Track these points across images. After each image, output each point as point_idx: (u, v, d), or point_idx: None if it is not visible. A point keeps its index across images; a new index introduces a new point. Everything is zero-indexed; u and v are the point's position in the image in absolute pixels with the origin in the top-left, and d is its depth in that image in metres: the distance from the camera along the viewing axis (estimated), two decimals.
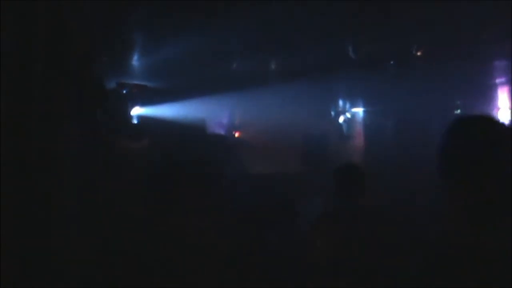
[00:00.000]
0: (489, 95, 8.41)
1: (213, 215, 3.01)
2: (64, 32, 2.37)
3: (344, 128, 11.16)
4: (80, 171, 2.61)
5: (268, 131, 9.15)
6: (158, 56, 6.22)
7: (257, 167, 8.15)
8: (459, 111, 8.88)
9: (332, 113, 11.16)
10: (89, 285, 2.51)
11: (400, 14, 4.68)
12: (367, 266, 2.97)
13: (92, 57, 2.93)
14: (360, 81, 7.53)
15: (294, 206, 4.65)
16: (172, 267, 2.71)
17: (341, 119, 11.18)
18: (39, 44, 2.21)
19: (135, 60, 6.72)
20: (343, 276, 2.96)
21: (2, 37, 2.05)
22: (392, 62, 6.55)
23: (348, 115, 11.19)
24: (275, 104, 8.61)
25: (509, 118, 8.48)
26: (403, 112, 9.11)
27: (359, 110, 11.12)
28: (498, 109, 8.71)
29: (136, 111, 8.47)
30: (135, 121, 8.41)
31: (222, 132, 9.88)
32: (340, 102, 10.66)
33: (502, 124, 1.39)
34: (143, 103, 8.49)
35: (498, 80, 7.85)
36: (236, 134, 10.10)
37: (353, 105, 10.88)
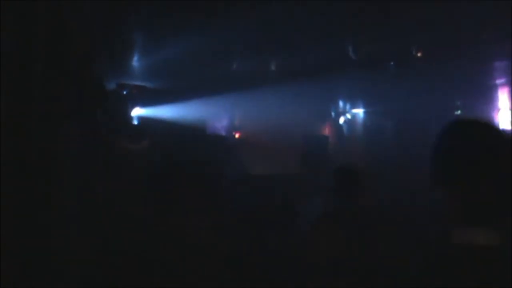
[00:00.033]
0: (489, 95, 8.41)
1: (213, 215, 3.01)
2: (64, 32, 2.38)
3: (344, 128, 11.17)
4: (80, 171, 2.61)
5: (268, 132, 9.15)
6: (158, 56, 6.23)
7: (257, 168, 8.16)
8: (459, 111, 8.88)
9: (332, 113, 11.17)
10: (89, 285, 2.51)
11: (400, 14, 4.68)
12: (367, 266, 2.97)
13: (92, 57, 2.93)
14: (360, 81, 7.53)
15: (294, 206, 4.65)
16: (172, 267, 2.70)
17: (341, 119, 11.19)
18: (39, 44, 2.21)
19: (135, 61, 6.72)
20: (343, 276, 2.95)
21: (2, 37, 2.05)
22: (392, 63, 6.55)
23: (348, 115, 11.20)
24: (275, 104, 8.61)
25: (509, 119, 8.48)
26: (403, 112, 9.11)
27: (359, 111, 11.13)
28: (498, 109, 8.70)
29: (136, 112, 8.47)
30: (135, 122, 8.41)
31: (222, 132, 9.88)
32: (340, 103, 10.66)
33: (497, 128, 1.40)
34: (143, 104, 8.50)
35: (498, 81, 7.84)
36: (236, 135, 10.10)
37: (353, 105, 10.88)
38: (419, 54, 6.01)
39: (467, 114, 8.57)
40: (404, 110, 8.92)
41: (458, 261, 1.29)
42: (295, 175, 8.49)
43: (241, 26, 5.05)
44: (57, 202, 2.31)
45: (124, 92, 7.90)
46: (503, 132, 1.39)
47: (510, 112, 8.58)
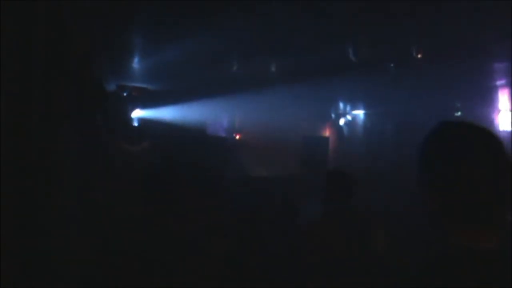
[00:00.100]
0: (489, 97, 8.39)
1: (213, 215, 3.01)
2: (64, 32, 2.38)
3: (345, 130, 11.18)
4: (80, 171, 2.61)
5: (269, 133, 9.16)
6: (159, 58, 6.23)
7: (257, 169, 8.16)
8: (459, 113, 8.87)
9: (333, 115, 11.18)
10: (89, 285, 2.51)
11: (400, 15, 4.68)
12: (367, 266, 2.97)
13: (92, 57, 2.93)
14: (361, 83, 7.53)
15: (294, 207, 4.66)
16: (172, 267, 2.71)
17: (341, 121, 11.20)
18: (39, 44, 2.21)
19: (135, 62, 6.72)
20: (343, 276, 2.95)
21: (2, 37, 2.06)
22: (392, 64, 6.54)
23: (348, 117, 11.21)
24: (276, 106, 8.62)
25: (510, 120, 8.46)
26: (403, 114, 9.11)
27: (359, 112, 11.13)
28: (499, 111, 8.69)
29: (137, 113, 8.49)
30: (135, 124, 8.43)
31: (222, 134, 9.89)
32: (341, 104, 10.66)
33: (484, 129, 1.39)
34: (144, 105, 8.51)
35: (498, 82, 7.83)
36: (237, 136, 10.12)
37: (354, 107, 10.88)
38: (419, 56, 6.00)
39: (467, 116, 8.57)
40: (404, 111, 8.92)
41: (457, 261, 1.29)
42: (295, 176, 8.50)
43: (241, 27, 5.05)
44: (57, 202, 2.31)
45: (124, 94, 7.91)
46: (489, 133, 1.38)
47: (510, 113, 8.55)
